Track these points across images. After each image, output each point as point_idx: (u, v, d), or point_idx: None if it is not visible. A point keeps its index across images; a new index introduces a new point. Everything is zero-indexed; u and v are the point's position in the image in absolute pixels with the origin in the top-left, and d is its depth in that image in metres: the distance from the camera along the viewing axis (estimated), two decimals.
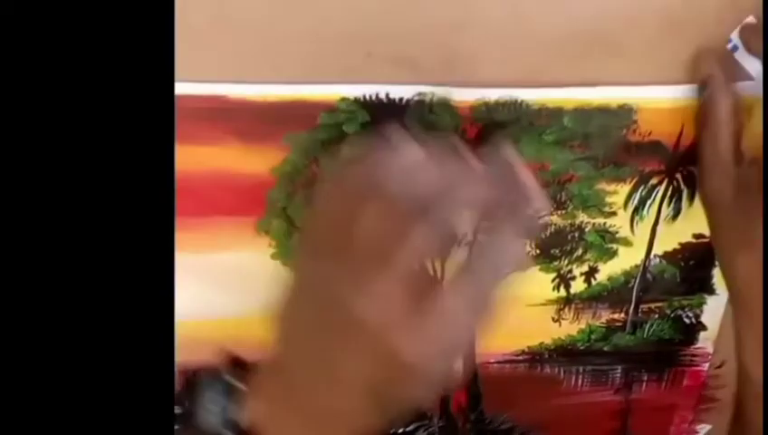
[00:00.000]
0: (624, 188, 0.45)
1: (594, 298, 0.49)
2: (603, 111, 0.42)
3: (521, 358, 0.51)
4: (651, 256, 0.48)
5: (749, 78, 0.40)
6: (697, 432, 0.56)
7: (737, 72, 0.39)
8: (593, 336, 0.51)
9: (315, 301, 0.33)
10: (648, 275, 0.48)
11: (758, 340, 0.40)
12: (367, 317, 0.31)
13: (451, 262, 0.46)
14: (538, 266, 0.47)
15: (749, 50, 0.39)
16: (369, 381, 0.32)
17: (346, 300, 0.31)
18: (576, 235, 0.46)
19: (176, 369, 0.51)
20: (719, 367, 0.53)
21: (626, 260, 0.47)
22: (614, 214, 0.46)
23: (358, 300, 0.31)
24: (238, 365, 0.38)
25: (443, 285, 0.32)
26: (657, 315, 0.50)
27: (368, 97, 0.41)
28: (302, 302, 0.34)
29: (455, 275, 0.32)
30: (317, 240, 0.34)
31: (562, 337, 0.50)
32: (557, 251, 0.47)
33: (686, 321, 0.51)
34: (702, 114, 0.40)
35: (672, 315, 0.50)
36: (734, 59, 0.39)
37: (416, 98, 0.41)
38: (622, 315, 0.50)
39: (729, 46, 0.39)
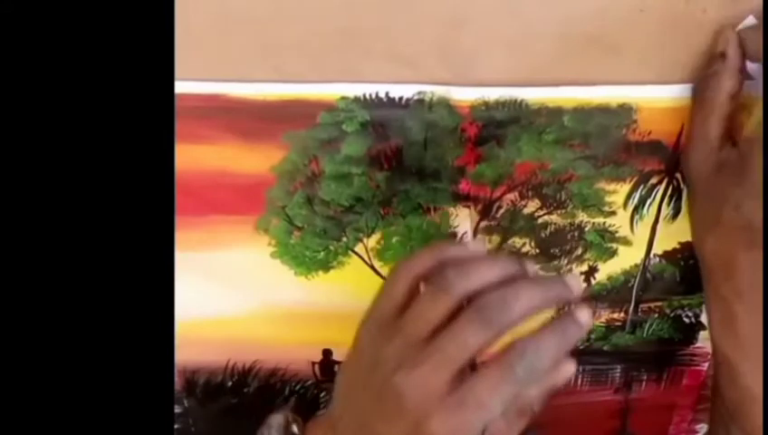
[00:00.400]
0: (624, 188, 0.45)
1: (594, 298, 0.49)
2: (603, 111, 0.42)
3: None
4: (651, 256, 0.48)
5: (749, 77, 0.40)
6: (697, 432, 0.56)
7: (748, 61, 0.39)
8: (593, 336, 0.51)
9: (368, 370, 0.36)
10: (648, 275, 0.48)
11: (723, 313, 0.40)
12: (407, 393, 0.33)
13: None
14: (538, 265, 0.47)
15: (748, 55, 0.39)
16: None
17: (393, 374, 0.34)
18: (576, 234, 0.46)
19: (175, 368, 0.51)
20: None
21: (625, 260, 0.47)
22: (614, 213, 0.46)
23: (403, 377, 0.34)
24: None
25: (479, 378, 0.34)
26: (656, 315, 0.50)
27: (367, 96, 0.41)
28: (358, 368, 0.37)
29: (491, 369, 0.34)
30: (380, 314, 0.37)
31: None
32: (556, 250, 0.47)
33: (686, 320, 0.50)
34: (701, 88, 0.40)
35: (672, 315, 0.50)
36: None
37: (415, 97, 0.41)
38: (622, 315, 0.50)
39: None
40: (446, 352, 0.34)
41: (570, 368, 0.36)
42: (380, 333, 0.36)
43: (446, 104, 0.41)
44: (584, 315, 0.36)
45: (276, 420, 0.41)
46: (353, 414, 0.37)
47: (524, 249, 0.47)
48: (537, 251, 0.47)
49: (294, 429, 0.40)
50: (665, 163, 0.44)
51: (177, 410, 0.53)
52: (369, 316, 0.38)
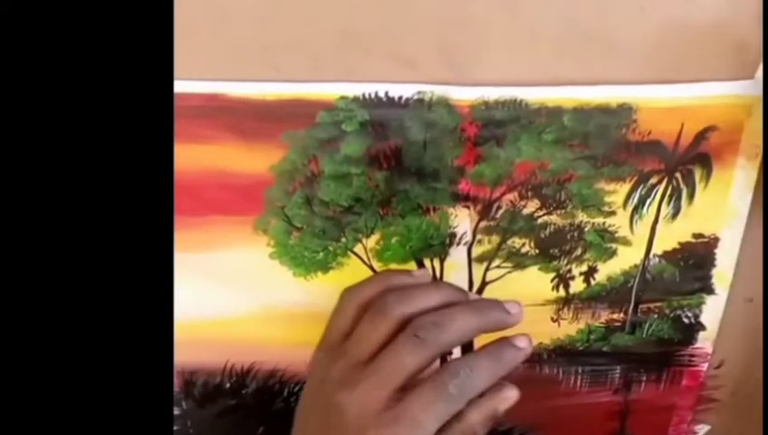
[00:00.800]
0: (623, 188, 0.45)
1: (593, 298, 0.49)
2: (603, 111, 0.42)
3: None
4: (650, 256, 0.48)
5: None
6: (696, 433, 0.56)
7: None
8: (592, 336, 0.51)
9: (316, 391, 0.37)
10: (648, 275, 0.48)
11: None
12: (348, 410, 0.35)
13: (449, 262, 0.46)
14: (537, 266, 0.47)
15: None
16: None
17: (336, 393, 0.35)
18: (575, 234, 0.46)
19: (174, 369, 0.51)
20: (718, 367, 0.53)
21: (625, 260, 0.47)
22: (613, 213, 0.46)
23: (345, 395, 0.35)
24: None
25: (414, 395, 0.35)
26: (656, 315, 0.50)
27: (367, 96, 0.41)
28: (309, 391, 0.38)
29: (425, 387, 0.35)
30: (328, 339, 0.39)
31: (561, 337, 0.50)
32: (556, 251, 0.47)
33: (686, 321, 0.50)
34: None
35: (671, 315, 0.50)
36: None
37: (415, 96, 0.41)
38: (621, 315, 0.50)
39: None
40: (384, 371, 0.35)
41: (511, 394, 0.37)
42: (327, 356, 0.38)
43: (445, 104, 0.41)
44: (522, 342, 0.37)
45: None
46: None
47: (524, 250, 0.47)
48: (537, 251, 0.47)
49: None
50: (664, 163, 0.44)
51: (175, 411, 0.53)
52: (320, 343, 0.39)
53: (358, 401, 0.35)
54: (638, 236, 0.47)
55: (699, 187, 0.45)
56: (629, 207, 0.46)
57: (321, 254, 0.46)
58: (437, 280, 0.46)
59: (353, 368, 0.36)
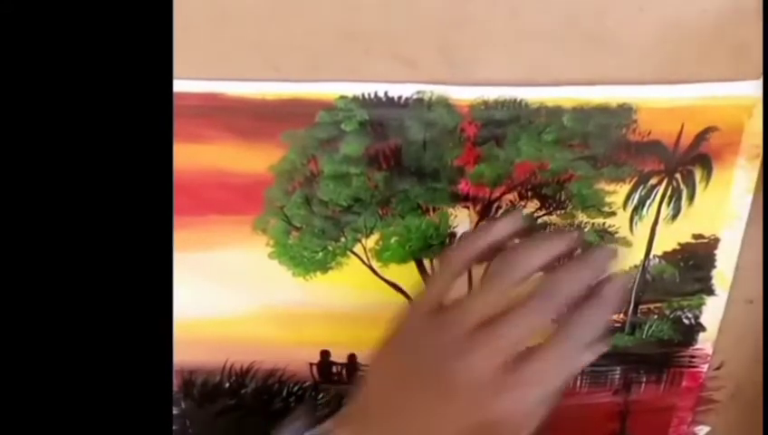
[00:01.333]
0: (623, 188, 0.45)
1: None
2: (603, 111, 0.42)
3: None
4: (650, 257, 0.47)
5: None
6: (696, 434, 0.56)
7: None
8: None
9: (419, 359, 0.36)
10: (648, 276, 0.48)
11: None
12: (467, 379, 0.34)
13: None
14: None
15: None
16: (450, 433, 0.35)
17: (447, 362, 0.35)
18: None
19: (173, 368, 0.51)
20: (718, 368, 0.53)
21: (625, 260, 0.47)
22: (613, 214, 0.46)
23: (463, 363, 0.34)
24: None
25: (539, 356, 0.35)
26: (656, 316, 0.50)
27: (366, 95, 0.41)
28: (403, 358, 0.37)
29: (544, 344, 0.35)
30: (429, 304, 0.38)
31: None
32: None
33: (686, 321, 0.50)
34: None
35: (671, 316, 0.50)
36: None
37: (415, 96, 0.41)
38: (621, 316, 0.50)
39: None
40: (505, 335, 0.35)
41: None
42: (429, 323, 0.37)
43: (445, 104, 0.41)
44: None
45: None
46: (396, 407, 0.37)
47: None
48: None
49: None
50: (664, 163, 0.44)
51: (174, 410, 0.53)
52: (415, 307, 0.38)
53: (475, 368, 0.34)
54: (638, 236, 0.47)
55: (699, 187, 0.45)
56: (629, 208, 0.46)
57: (321, 254, 0.46)
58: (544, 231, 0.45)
59: (468, 334, 0.35)
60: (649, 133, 0.43)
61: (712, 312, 0.50)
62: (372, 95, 0.41)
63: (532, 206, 0.45)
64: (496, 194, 0.44)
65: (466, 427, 0.35)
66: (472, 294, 0.37)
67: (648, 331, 0.51)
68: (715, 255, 0.47)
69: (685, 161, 0.44)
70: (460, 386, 0.34)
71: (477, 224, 0.46)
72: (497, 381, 0.34)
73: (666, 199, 0.45)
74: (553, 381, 0.35)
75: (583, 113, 0.41)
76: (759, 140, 0.43)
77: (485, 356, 0.34)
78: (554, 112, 0.41)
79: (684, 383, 0.53)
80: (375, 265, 0.47)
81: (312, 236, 0.46)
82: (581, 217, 0.46)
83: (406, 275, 0.47)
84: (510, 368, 0.34)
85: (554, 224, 0.46)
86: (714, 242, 0.47)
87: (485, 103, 0.41)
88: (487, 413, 0.34)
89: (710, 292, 0.49)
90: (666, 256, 0.48)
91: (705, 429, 0.56)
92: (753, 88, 0.41)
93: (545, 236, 0.38)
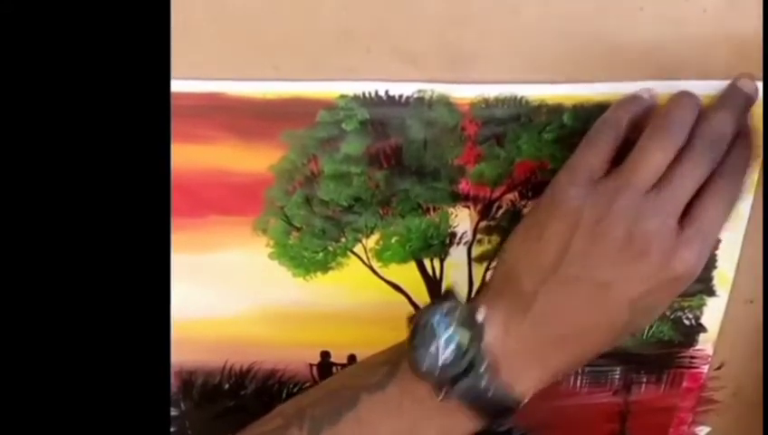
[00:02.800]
0: None
1: None
2: (603, 109, 0.41)
3: None
4: None
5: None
6: (696, 434, 0.56)
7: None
8: None
9: (592, 227, 0.36)
10: None
11: None
12: (651, 239, 0.36)
13: (449, 261, 0.46)
14: None
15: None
16: (635, 296, 0.37)
17: (632, 225, 0.36)
18: None
19: (172, 370, 0.51)
20: (719, 369, 0.52)
21: None
22: None
23: (643, 225, 0.36)
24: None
25: (708, 206, 0.37)
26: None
27: (367, 94, 0.41)
28: (563, 226, 0.37)
29: (710, 192, 0.37)
30: (589, 170, 0.38)
31: None
32: None
33: (686, 322, 0.50)
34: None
35: (672, 317, 0.50)
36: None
37: (415, 95, 0.41)
38: None
39: None
40: (679, 192, 0.36)
41: None
42: (595, 189, 0.37)
43: (445, 102, 0.41)
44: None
45: (453, 312, 0.38)
46: (561, 276, 0.37)
47: None
48: None
49: (479, 317, 0.38)
50: None
51: (173, 412, 0.53)
52: (573, 175, 0.38)
53: (659, 227, 0.36)
54: None
55: None
56: None
57: (321, 254, 0.46)
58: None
59: (642, 197, 0.36)
60: None
61: (713, 312, 0.50)
62: (373, 94, 0.41)
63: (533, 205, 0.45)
64: (497, 193, 0.44)
65: (650, 287, 0.36)
66: (635, 158, 0.37)
67: (648, 331, 0.51)
68: (716, 255, 0.47)
69: None
70: (643, 247, 0.36)
71: (478, 224, 0.46)
72: (676, 236, 0.36)
73: None
74: (722, 226, 0.37)
75: (584, 111, 0.41)
76: (759, 141, 0.42)
77: (664, 214, 0.36)
78: (555, 111, 0.41)
79: (684, 384, 0.53)
80: (375, 265, 0.47)
81: (312, 236, 0.46)
82: None
83: (406, 275, 0.47)
84: (687, 222, 0.36)
85: None
86: (715, 242, 0.47)
87: (486, 102, 0.41)
88: (669, 271, 0.36)
89: (711, 292, 0.49)
90: None
91: (706, 429, 0.56)
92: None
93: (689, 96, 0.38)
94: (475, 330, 0.38)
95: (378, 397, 0.40)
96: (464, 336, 0.37)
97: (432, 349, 0.37)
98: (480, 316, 0.38)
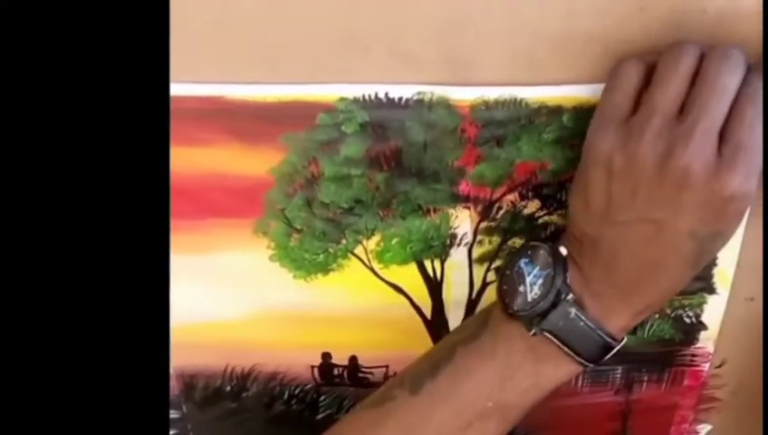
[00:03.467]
0: None
1: None
2: None
3: None
4: None
5: None
6: (698, 432, 0.56)
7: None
8: None
9: (628, 172, 0.36)
10: None
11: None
12: (692, 168, 0.35)
13: (450, 262, 0.46)
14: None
15: None
16: (693, 226, 0.36)
17: (670, 158, 0.35)
18: None
19: (171, 373, 0.51)
20: (719, 367, 0.53)
21: None
22: None
23: (680, 156, 0.35)
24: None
25: (739, 125, 0.35)
26: (657, 315, 0.50)
27: (367, 97, 0.41)
28: (611, 177, 0.37)
29: (744, 111, 0.35)
30: (616, 112, 0.37)
31: None
32: None
33: (687, 320, 0.50)
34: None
35: (672, 315, 0.50)
36: None
37: (415, 97, 0.41)
38: None
39: None
40: (711, 107, 0.35)
41: None
42: (628, 128, 0.36)
43: (445, 104, 0.41)
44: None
45: (536, 253, 0.40)
46: (626, 219, 0.37)
47: None
48: None
49: (563, 251, 0.40)
50: None
51: (175, 414, 0.53)
52: (601, 118, 0.38)
53: (693, 153, 0.35)
54: None
55: None
56: None
57: (322, 256, 0.46)
58: None
59: (668, 127, 0.35)
60: None
61: (713, 310, 0.50)
62: (372, 96, 0.41)
63: (533, 206, 0.45)
64: (497, 194, 0.44)
65: (704, 214, 0.36)
66: (653, 90, 0.36)
67: (649, 330, 0.51)
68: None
69: None
70: (681, 177, 0.35)
71: (478, 225, 0.46)
72: (716, 159, 0.35)
73: None
74: (760, 137, 0.35)
75: (584, 113, 0.41)
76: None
77: (696, 139, 0.35)
78: (554, 112, 0.41)
79: (685, 382, 0.53)
80: (376, 266, 0.47)
81: (312, 238, 0.46)
82: None
83: (407, 276, 0.47)
84: (724, 141, 0.35)
85: (555, 224, 0.46)
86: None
87: (486, 104, 0.41)
88: (717, 194, 0.35)
89: (711, 290, 0.49)
90: None
91: (707, 427, 0.56)
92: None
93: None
94: (559, 265, 0.39)
95: (472, 346, 0.41)
96: (549, 273, 0.39)
97: (521, 289, 0.40)
98: (563, 251, 0.40)
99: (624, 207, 0.37)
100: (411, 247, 0.46)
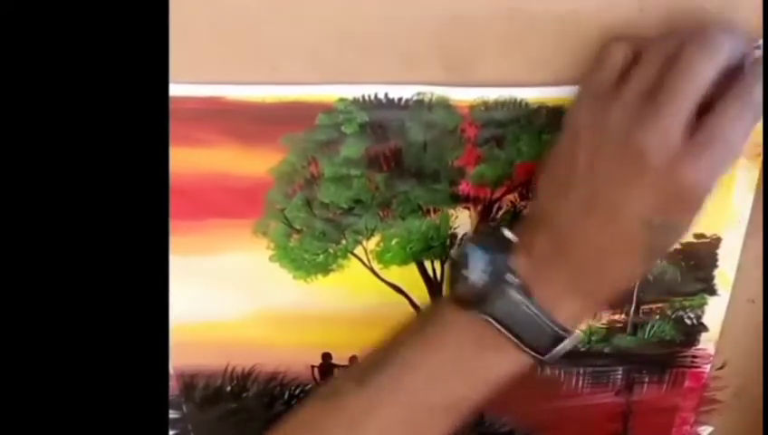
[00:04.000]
0: None
1: None
2: None
3: None
4: None
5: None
6: (699, 434, 0.56)
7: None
8: (594, 337, 0.50)
9: (597, 142, 0.36)
10: (649, 275, 0.48)
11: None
12: (650, 147, 0.34)
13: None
14: None
15: None
16: (646, 213, 0.35)
17: (631, 134, 0.34)
18: None
19: (170, 373, 0.51)
20: (721, 368, 0.52)
21: None
22: None
23: (642, 133, 0.34)
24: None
25: (719, 111, 0.34)
26: (658, 316, 0.50)
27: (366, 97, 0.41)
28: (577, 145, 0.37)
29: (728, 100, 0.35)
30: (598, 84, 0.37)
31: None
32: None
33: (688, 322, 0.50)
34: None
35: (673, 316, 0.50)
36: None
37: (415, 97, 0.41)
38: (623, 316, 0.50)
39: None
40: (680, 90, 0.34)
41: None
42: (602, 101, 0.36)
43: (445, 105, 0.41)
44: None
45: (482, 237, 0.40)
46: (577, 199, 0.37)
47: None
48: None
49: (506, 233, 0.39)
50: None
51: (175, 415, 0.53)
52: (583, 93, 0.38)
53: (656, 135, 0.34)
54: None
55: None
56: None
57: (322, 256, 0.46)
58: None
59: (637, 107, 0.35)
60: None
61: (714, 312, 0.50)
62: (372, 97, 0.41)
63: None
64: (497, 195, 0.44)
65: (658, 201, 0.35)
66: (630, 71, 0.36)
67: (649, 331, 0.51)
68: (716, 254, 0.47)
69: None
70: (640, 158, 0.34)
71: (478, 225, 0.45)
72: (682, 145, 0.34)
73: None
74: (739, 137, 0.35)
75: None
76: (759, 139, 0.42)
77: (662, 122, 0.34)
78: (554, 112, 0.41)
79: (686, 384, 0.53)
80: (376, 267, 0.47)
81: (312, 238, 0.46)
82: None
83: (407, 276, 0.47)
84: (696, 130, 0.34)
85: None
86: (715, 242, 0.47)
87: (485, 104, 0.41)
88: (675, 182, 0.34)
89: (712, 292, 0.49)
90: (667, 255, 0.47)
91: (709, 429, 0.56)
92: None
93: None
94: (501, 247, 0.38)
95: (420, 337, 0.40)
96: (492, 255, 0.38)
97: (464, 272, 0.39)
98: (507, 233, 0.39)
99: (583, 178, 0.36)
100: (411, 248, 0.46)
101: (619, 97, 0.36)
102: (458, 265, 0.39)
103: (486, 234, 0.40)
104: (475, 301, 0.38)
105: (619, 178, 0.35)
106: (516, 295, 0.38)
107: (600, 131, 0.36)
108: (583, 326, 0.49)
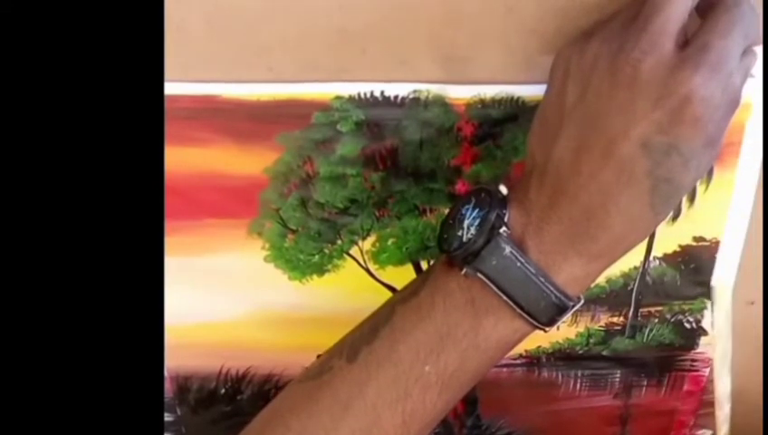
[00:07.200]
0: None
1: (593, 301, 0.48)
2: None
3: (518, 362, 0.51)
4: (650, 258, 0.47)
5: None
6: None
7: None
8: (592, 340, 0.50)
9: (581, 72, 0.35)
10: (648, 278, 0.48)
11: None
12: (642, 67, 0.33)
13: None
14: None
15: None
16: (645, 134, 0.34)
17: (622, 51, 0.34)
18: None
19: (165, 375, 0.51)
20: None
21: (625, 262, 0.47)
22: None
23: (631, 48, 0.33)
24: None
25: (710, 22, 0.34)
26: (656, 319, 0.50)
27: (362, 95, 0.41)
28: (567, 81, 0.36)
29: (719, 10, 0.34)
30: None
31: (560, 341, 0.50)
32: None
33: (687, 325, 0.50)
34: None
35: (672, 320, 0.50)
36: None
37: (411, 95, 0.41)
38: (621, 319, 0.50)
39: None
40: (666, 4, 0.33)
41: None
42: (589, 34, 0.36)
43: (441, 103, 0.41)
44: None
45: (478, 196, 0.38)
46: (575, 132, 0.35)
47: None
48: None
49: (502, 190, 0.37)
50: None
51: (169, 417, 0.53)
52: (574, 38, 0.37)
53: (645, 48, 0.33)
54: None
55: (700, 189, 0.45)
56: None
57: (317, 256, 0.46)
58: None
59: (624, 27, 0.34)
60: None
61: (714, 316, 0.49)
62: (368, 95, 0.41)
63: None
64: None
65: (655, 119, 0.33)
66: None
67: (648, 335, 0.50)
68: (716, 258, 0.47)
69: None
70: (632, 73, 0.33)
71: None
72: (674, 57, 0.33)
73: None
74: (735, 45, 0.34)
75: None
76: (759, 140, 0.42)
77: (649, 35, 0.33)
78: None
79: (685, 387, 0.53)
80: (371, 267, 0.47)
81: (307, 238, 0.45)
82: None
83: (403, 277, 0.47)
84: (689, 41, 0.33)
85: None
86: (714, 245, 0.46)
87: (482, 102, 0.41)
88: (671, 94, 0.33)
89: (711, 296, 0.49)
90: (666, 258, 0.47)
91: (707, 432, 0.55)
92: (753, 88, 0.41)
93: None
94: (495, 202, 0.37)
95: (411, 303, 0.38)
96: (486, 211, 0.37)
97: (459, 233, 0.37)
98: (503, 189, 0.37)
99: (574, 114, 0.35)
100: (407, 248, 0.46)
101: (606, 26, 0.35)
102: (452, 228, 0.38)
103: (481, 191, 0.38)
104: (467, 258, 0.36)
105: (612, 102, 0.34)
106: (510, 250, 0.36)
107: (590, 59, 0.35)
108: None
